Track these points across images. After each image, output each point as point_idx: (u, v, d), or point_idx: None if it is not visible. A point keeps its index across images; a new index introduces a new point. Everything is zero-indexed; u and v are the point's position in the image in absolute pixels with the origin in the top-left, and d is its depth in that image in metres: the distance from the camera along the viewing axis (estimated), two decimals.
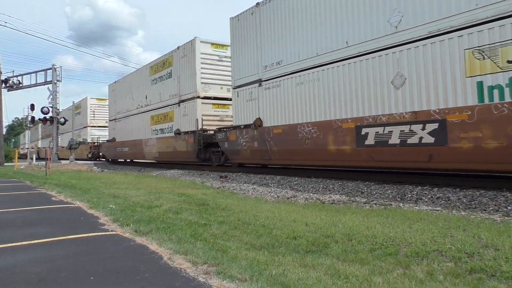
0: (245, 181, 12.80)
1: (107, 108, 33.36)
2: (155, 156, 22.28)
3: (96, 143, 34.37)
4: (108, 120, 30.60)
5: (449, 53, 8.17)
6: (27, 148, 58.98)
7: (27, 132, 63.64)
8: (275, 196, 9.31)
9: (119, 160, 30.35)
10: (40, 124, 51.33)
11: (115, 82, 29.07)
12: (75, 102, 39.76)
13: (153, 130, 22.13)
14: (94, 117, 37.02)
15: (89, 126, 36.90)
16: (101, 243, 4.56)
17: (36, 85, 30.78)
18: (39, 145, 55.94)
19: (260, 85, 13.58)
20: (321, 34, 11.29)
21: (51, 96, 29.60)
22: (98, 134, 35.59)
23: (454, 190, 8.05)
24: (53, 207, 7.53)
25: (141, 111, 23.91)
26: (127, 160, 29.85)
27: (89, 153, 34.49)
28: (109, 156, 30.58)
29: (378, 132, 9.54)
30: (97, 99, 37.51)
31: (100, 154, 33.05)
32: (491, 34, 7.50)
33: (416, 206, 7.26)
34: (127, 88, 26.60)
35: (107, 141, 30.34)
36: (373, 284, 3.28)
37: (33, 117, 33.27)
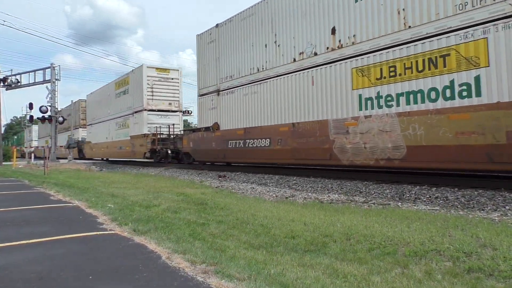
0: (244, 180, 12.80)
1: (173, 83, 24.14)
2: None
3: (168, 136, 22.44)
4: (198, 95, 17.92)
5: None
6: (35, 147, 51.08)
7: (34, 128, 55.28)
8: (274, 195, 9.31)
9: (211, 162, 18.40)
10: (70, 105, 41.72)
11: (224, 23, 16.23)
12: (119, 77, 27.66)
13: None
14: (152, 96, 23.36)
15: (145, 110, 23.21)
16: (100, 242, 4.55)
17: (34, 84, 30.76)
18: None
19: None
20: None
21: (49, 95, 29.57)
22: (160, 123, 23.11)
23: (452, 189, 8.07)
24: (51, 206, 7.52)
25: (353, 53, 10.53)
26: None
27: (149, 150, 22.60)
28: (201, 155, 17.75)
29: None
30: (157, 69, 23.96)
31: (169, 152, 22.17)
32: None
33: (414, 205, 7.27)
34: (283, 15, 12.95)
35: (193, 130, 18.72)
36: (372, 284, 3.29)
37: (31, 116, 33.18)
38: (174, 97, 24.18)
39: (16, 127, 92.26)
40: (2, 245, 4.45)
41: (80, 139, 35.00)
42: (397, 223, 5.34)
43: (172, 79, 24.14)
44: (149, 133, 22.73)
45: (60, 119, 30.22)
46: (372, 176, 10.65)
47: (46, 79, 30.10)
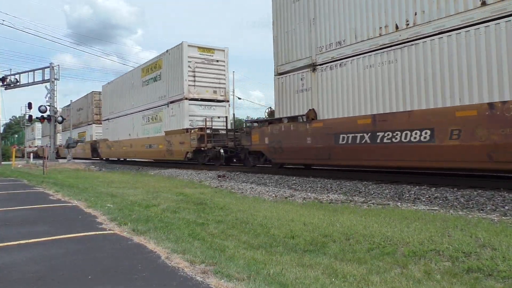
0: (243, 180, 12.80)
1: (219, 67, 19.37)
2: None
3: (225, 131, 17.41)
4: (274, 74, 13.06)
5: None
6: (38, 146, 48.00)
7: (36, 126, 50.89)
8: (273, 195, 9.32)
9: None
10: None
11: None
12: (147, 61, 22.92)
13: None
14: (194, 82, 18.70)
15: (186, 100, 18.62)
16: (99, 242, 4.55)
17: (34, 83, 30.76)
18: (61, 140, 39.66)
19: None
20: None
21: (48, 95, 29.55)
22: (203, 115, 18.49)
23: (451, 189, 8.07)
24: (50, 206, 7.51)
25: None
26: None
27: (192, 150, 17.78)
28: (285, 155, 12.73)
29: None
30: (199, 48, 19.12)
31: (222, 151, 17.60)
32: None
33: (413, 205, 7.27)
34: None
35: (270, 122, 13.22)
36: (371, 283, 3.29)
37: (30, 116, 33.12)
38: (219, 83, 19.52)
39: (15, 127, 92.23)
40: (1, 245, 4.45)
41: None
42: (397, 223, 5.34)
43: (217, 61, 19.56)
44: (191, 127, 18.21)
45: (59, 118, 30.19)
46: (371, 176, 10.65)
47: (45, 79, 30.08)
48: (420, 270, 3.61)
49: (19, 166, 25.24)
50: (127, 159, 27.93)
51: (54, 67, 30.00)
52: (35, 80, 30.57)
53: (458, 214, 6.24)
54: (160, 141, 20.62)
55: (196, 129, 17.90)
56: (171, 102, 19.80)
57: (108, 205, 7.26)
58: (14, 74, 30.58)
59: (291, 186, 10.85)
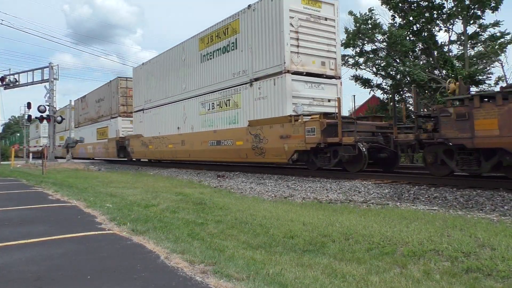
0: (243, 180, 12.78)
1: (327, 27, 13.59)
2: None
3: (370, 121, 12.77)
4: None
5: None
6: (44, 145, 45.25)
7: (39, 123, 43.87)
8: (273, 195, 9.31)
9: None
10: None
11: None
12: (209, 27, 16.54)
13: None
14: (297, 48, 12.76)
15: (288, 73, 12.46)
16: (98, 242, 4.54)
17: (33, 83, 30.74)
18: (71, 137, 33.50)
19: None
20: None
21: (47, 95, 29.52)
22: (309, 96, 12.95)
23: (451, 189, 8.07)
24: (49, 206, 7.50)
25: None
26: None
27: (309, 147, 11.53)
28: None
29: None
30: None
31: (364, 150, 10.37)
32: None
33: (413, 205, 7.27)
34: None
35: None
36: (370, 283, 3.29)
37: (29, 116, 33.03)
38: (329, 51, 13.68)
39: (14, 127, 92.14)
40: (0, 245, 4.44)
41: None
42: (396, 223, 5.34)
43: (326, 19, 13.62)
44: (296, 113, 12.28)
45: (59, 118, 30.13)
46: (371, 176, 10.64)
47: (45, 79, 30.04)
48: (419, 270, 3.61)
49: (18, 166, 25.21)
50: (171, 161, 21.28)
51: (53, 67, 29.97)
52: (34, 80, 30.54)
53: (457, 214, 6.24)
54: (238, 136, 14.51)
55: (317, 116, 11.64)
56: (256, 80, 13.87)
57: (107, 205, 7.25)
58: (13, 74, 30.58)
59: (291, 186, 10.83)
